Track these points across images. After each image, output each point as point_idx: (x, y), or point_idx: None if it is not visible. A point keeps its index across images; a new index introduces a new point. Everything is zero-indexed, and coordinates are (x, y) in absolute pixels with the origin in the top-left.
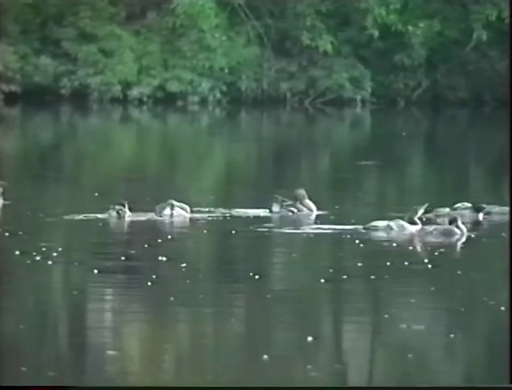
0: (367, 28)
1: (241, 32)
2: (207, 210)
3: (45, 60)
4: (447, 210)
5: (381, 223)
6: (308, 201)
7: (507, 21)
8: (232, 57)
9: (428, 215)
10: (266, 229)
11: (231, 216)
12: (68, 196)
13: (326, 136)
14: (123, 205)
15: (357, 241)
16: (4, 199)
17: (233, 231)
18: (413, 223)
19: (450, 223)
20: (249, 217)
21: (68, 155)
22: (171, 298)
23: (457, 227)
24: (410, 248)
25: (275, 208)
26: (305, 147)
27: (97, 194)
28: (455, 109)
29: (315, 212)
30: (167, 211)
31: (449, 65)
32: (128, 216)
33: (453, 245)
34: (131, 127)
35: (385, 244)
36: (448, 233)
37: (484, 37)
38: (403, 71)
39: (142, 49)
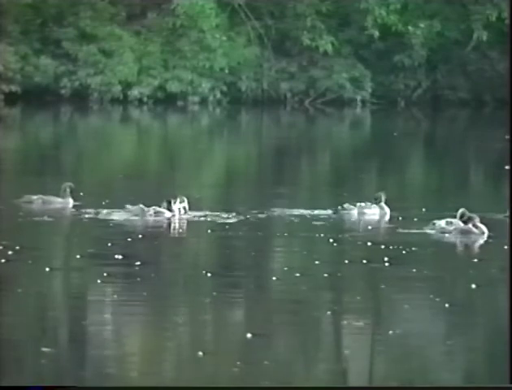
0: (367, 29)
1: (241, 32)
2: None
3: (45, 60)
4: None
5: (441, 222)
6: (383, 204)
7: (507, 21)
8: (233, 57)
9: (471, 215)
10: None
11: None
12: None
13: (326, 136)
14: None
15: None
16: (74, 199)
17: (209, 231)
18: (464, 222)
19: (465, 222)
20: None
21: (68, 155)
22: (115, 296)
23: (475, 226)
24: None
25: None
26: (305, 147)
27: (82, 194)
28: (455, 109)
29: (388, 213)
30: (176, 206)
31: (450, 65)
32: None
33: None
34: (131, 128)
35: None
36: (466, 232)
37: (484, 38)
38: (403, 72)
39: (142, 50)
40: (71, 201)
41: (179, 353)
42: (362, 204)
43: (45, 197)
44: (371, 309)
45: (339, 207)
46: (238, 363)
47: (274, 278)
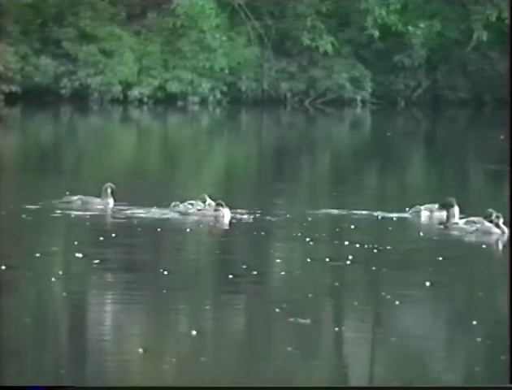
0: (367, 29)
1: (242, 32)
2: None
3: (45, 60)
4: None
5: (462, 221)
6: (456, 209)
7: (507, 21)
8: (233, 57)
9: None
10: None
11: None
12: (62, 194)
13: (326, 136)
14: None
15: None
16: (115, 200)
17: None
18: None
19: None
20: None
21: (68, 155)
22: (64, 294)
23: (498, 226)
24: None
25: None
26: (305, 147)
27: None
28: (455, 109)
29: (458, 216)
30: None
31: (450, 65)
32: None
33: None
34: (131, 128)
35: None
36: (487, 232)
37: (484, 38)
38: (403, 72)
39: (142, 50)
40: (111, 202)
41: (118, 347)
42: (429, 205)
43: (85, 198)
44: (324, 306)
45: (412, 209)
46: (173, 360)
47: (231, 276)
